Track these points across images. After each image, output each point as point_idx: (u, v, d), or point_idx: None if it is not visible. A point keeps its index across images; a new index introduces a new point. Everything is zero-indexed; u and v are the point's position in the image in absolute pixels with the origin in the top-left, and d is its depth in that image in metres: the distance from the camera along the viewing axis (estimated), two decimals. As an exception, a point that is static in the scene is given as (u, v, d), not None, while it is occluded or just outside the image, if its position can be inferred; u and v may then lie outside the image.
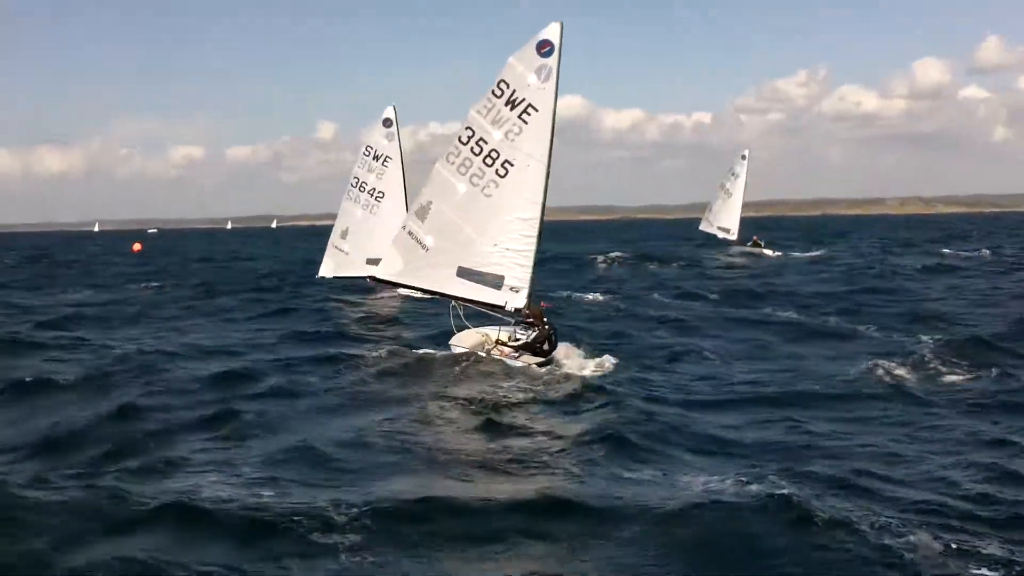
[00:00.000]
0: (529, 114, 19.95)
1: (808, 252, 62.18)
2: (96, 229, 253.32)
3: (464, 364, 19.07)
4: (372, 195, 33.81)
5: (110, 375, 18.56)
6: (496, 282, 20.50)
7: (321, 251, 35.84)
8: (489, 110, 20.12)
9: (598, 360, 19.82)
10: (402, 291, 32.39)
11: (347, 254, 34.10)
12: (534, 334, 19.82)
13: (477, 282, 20.52)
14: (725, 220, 62.45)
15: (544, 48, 19.87)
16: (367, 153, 34.03)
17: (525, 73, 19.90)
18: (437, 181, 20.68)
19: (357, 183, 34.13)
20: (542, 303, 21.01)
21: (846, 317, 26.79)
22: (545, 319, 20.10)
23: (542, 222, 20.35)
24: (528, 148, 20.05)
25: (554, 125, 20.08)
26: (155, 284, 43.05)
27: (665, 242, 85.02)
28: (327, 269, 34.96)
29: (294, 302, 33.61)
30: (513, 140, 20.09)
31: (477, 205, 20.36)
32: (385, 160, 33.82)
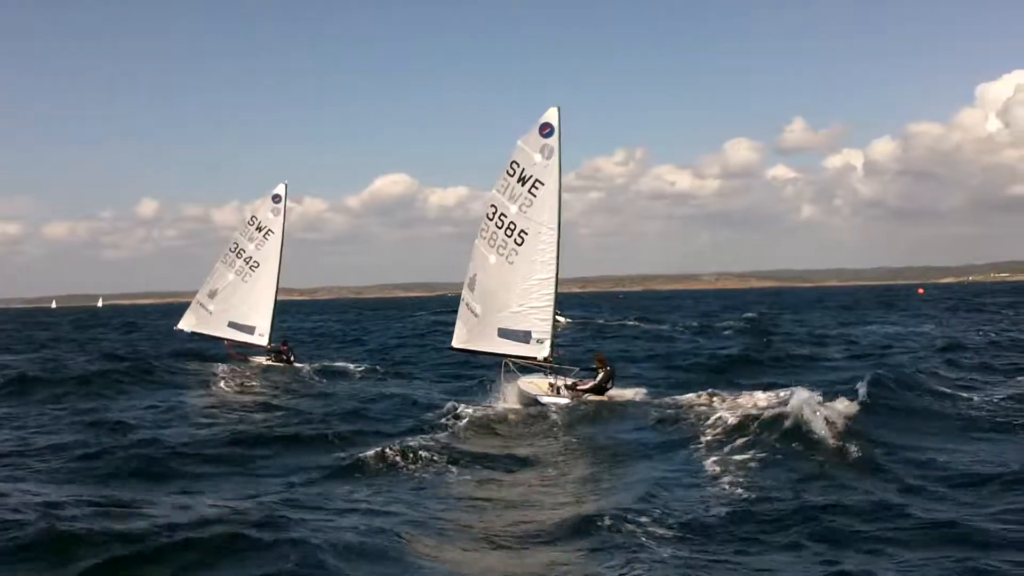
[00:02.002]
0: (537, 188, 23.01)
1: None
2: None
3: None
4: (248, 263, 34.46)
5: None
6: (525, 337, 23.34)
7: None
8: (506, 188, 23.16)
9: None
10: (257, 357, 33.85)
11: (211, 313, 34.79)
12: (601, 375, 22.46)
13: (512, 339, 23.36)
14: None
15: (545, 130, 23.04)
16: (251, 223, 34.75)
17: (532, 153, 23.01)
18: (476, 255, 23.73)
19: (235, 249, 34.75)
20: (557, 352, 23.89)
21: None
22: (607, 364, 22.87)
23: (557, 280, 23.31)
24: (539, 217, 23.06)
25: (560, 195, 23.16)
26: None
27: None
28: (188, 323, 35.53)
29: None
30: (526, 212, 23.09)
31: (504, 271, 23.27)
32: (267, 233, 34.51)
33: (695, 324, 60.83)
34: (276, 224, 34.62)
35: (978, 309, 71.97)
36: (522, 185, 23.09)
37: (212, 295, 34.80)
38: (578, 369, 23.51)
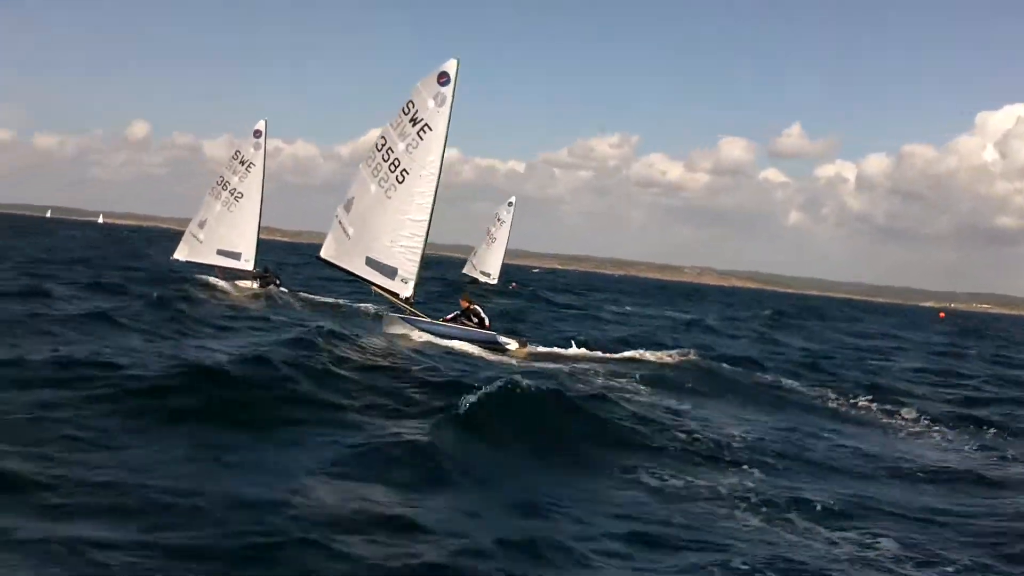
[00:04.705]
0: (425, 132, 23.80)
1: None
2: None
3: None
4: (232, 194, 36.95)
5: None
6: (391, 272, 24.31)
7: None
8: (398, 124, 23.96)
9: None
10: (244, 281, 35.70)
11: (201, 242, 37.31)
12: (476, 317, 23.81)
13: (378, 270, 24.36)
14: (488, 265, 64.63)
15: (442, 79, 23.77)
16: (235, 157, 37.26)
17: (427, 97, 23.77)
18: (358, 180, 24.68)
19: (221, 181, 37.27)
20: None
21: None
22: (473, 304, 24.30)
23: (429, 225, 24.23)
24: (422, 160, 23.89)
25: (445, 144, 23.97)
26: None
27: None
28: (182, 253, 38.05)
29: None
30: (411, 152, 23.90)
31: (381, 204, 24.16)
32: (249, 166, 37.00)
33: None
34: (257, 158, 37.19)
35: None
36: (412, 126, 23.84)
37: (202, 225, 37.32)
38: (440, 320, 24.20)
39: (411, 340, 22.75)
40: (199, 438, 9.98)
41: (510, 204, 65.76)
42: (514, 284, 66.13)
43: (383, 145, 24.16)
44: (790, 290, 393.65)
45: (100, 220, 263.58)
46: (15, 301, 21.14)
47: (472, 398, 11.94)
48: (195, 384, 11.74)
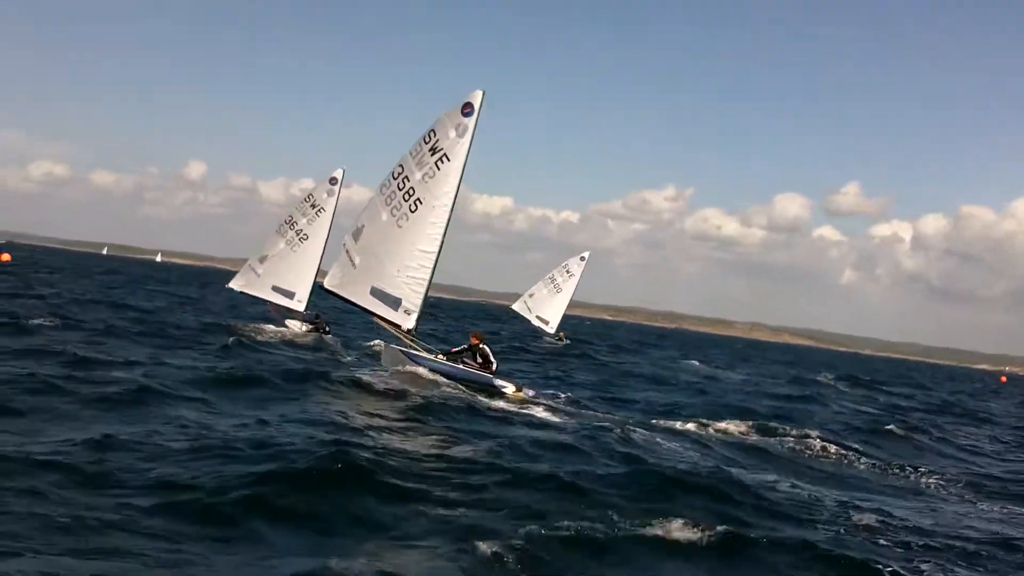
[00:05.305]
0: (443, 162, 23.14)
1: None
2: None
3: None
4: (298, 235, 37.51)
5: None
6: (395, 303, 23.56)
7: None
8: (417, 153, 23.38)
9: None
10: (294, 321, 36.22)
11: (259, 276, 37.77)
12: (480, 355, 22.63)
13: (382, 301, 23.59)
14: (548, 313, 63.29)
15: (466, 109, 23.13)
16: (307, 200, 38.01)
17: (449, 127, 23.15)
18: (370, 207, 24.06)
19: (289, 220, 37.90)
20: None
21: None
22: (483, 343, 22.99)
23: (438, 257, 23.47)
24: (437, 191, 23.20)
25: (462, 176, 23.24)
26: None
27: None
28: (238, 283, 38.49)
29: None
30: (427, 182, 23.25)
31: (392, 233, 23.50)
32: (319, 210, 37.57)
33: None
34: (329, 204, 37.69)
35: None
36: (431, 155, 23.23)
37: (262, 260, 37.80)
38: (439, 354, 23.38)
39: (452, 396, 20.29)
40: (268, 549, 9.27)
41: (582, 259, 64.37)
42: (562, 335, 64.22)
43: (399, 174, 23.56)
44: (843, 348, 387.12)
45: (159, 259, 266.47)
46: (60, 364, 18.91)
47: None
48: (256, 487, 10.75)
